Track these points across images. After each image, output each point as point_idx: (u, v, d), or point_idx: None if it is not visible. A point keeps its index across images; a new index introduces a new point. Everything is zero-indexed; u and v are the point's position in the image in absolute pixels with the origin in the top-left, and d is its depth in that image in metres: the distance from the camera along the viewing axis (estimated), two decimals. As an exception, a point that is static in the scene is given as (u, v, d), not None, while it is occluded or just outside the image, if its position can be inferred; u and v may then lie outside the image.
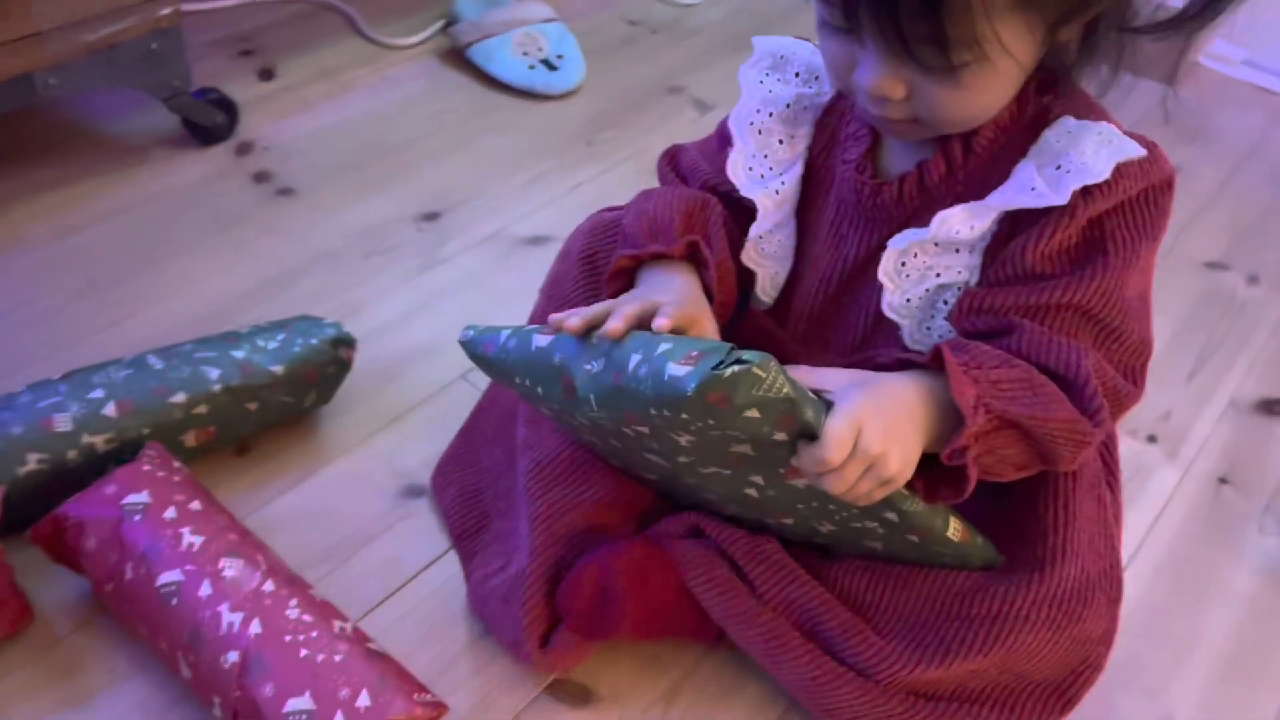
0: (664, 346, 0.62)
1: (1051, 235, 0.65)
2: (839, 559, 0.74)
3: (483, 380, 0.97)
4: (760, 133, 0.77)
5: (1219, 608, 0.87)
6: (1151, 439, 1.01)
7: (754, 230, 0.78)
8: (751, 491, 0.69)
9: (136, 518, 0.74)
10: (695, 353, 0.60)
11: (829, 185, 0.76)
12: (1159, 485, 0.97)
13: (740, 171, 0.77)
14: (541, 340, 0.69)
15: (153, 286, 1.05)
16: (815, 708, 0.72)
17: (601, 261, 0.83)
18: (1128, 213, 0.65)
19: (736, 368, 0.57)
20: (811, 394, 0.60)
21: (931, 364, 0.64)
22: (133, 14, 1.09)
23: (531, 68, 1.38)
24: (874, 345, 0.74)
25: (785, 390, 0.58)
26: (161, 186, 1.18)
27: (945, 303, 0.71)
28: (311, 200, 1.18)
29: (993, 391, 0.62)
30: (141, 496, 0.76)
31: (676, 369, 0.59)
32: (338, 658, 0.69)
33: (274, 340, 0.89)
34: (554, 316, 0.67)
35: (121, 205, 1.14)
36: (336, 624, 0.72)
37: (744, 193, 0.77)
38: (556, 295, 0.87)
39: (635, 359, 0.62)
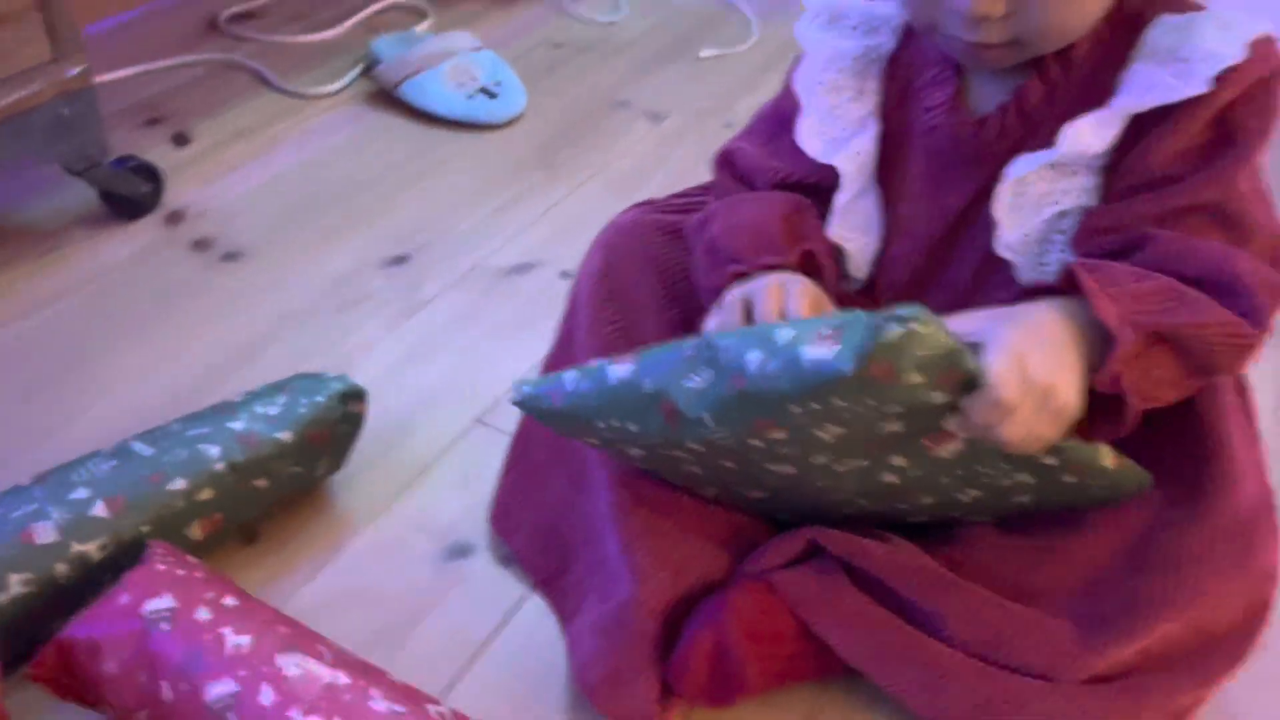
0: (785, 334, 0.54)
1: (1184, 129, 0.61)
2: (973, 542, 0.67)
3: (502, 420, 0.87)
4: (829, 91, 0.72)
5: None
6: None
7: (838, 200, 0.71)
8: (891, 478, 0.62)
9: (164, 626, 0.62)
10: (827, 330, 0.53)
11: (909, 140, 0.71)
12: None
13: (813, 138, 0.72)
14: (621, 370, 0.61)
15: (101, 378, 0.92)
16: None
17: (620, 277, 0.77)
18: (1255, 100, 0.61)
19: (899, 328, 0.50)
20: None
21: (1065, 288, 0.59)
22: (37, 78, 0.96)
23: (470, 97, 1.29)
24: (984, 293, 0.68)
25: (948, 341, 0.51)
26: (90, 270, 1.05)
27: (1062, 232, 0.65)
28: (262, 261, 1.07)
29: (1136, 307, 0.58)
30: (164, 601, 0.63)
31: (817, 350, 0.52)
32: (446, 748, 0.58)
33: (275, 405, 0.77)
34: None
35: (47, 296, 1.01)
36: (431, 709, 0.61)
37: (821, 159, 0.72)
38: (572, 322, 0.80)
39: (755, 357, 0.55)
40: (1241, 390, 0.70)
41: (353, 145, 1.26)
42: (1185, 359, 0.59)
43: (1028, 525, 0.67)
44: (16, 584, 0.66)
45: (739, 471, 0.64)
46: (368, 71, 1.36)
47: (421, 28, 1.49)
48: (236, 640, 0.62)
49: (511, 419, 0.84)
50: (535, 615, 0.74)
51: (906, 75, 0.71)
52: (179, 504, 0.72)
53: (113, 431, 0.80)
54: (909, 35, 0.71)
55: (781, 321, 0.58)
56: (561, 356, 0.80)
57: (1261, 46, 0.61)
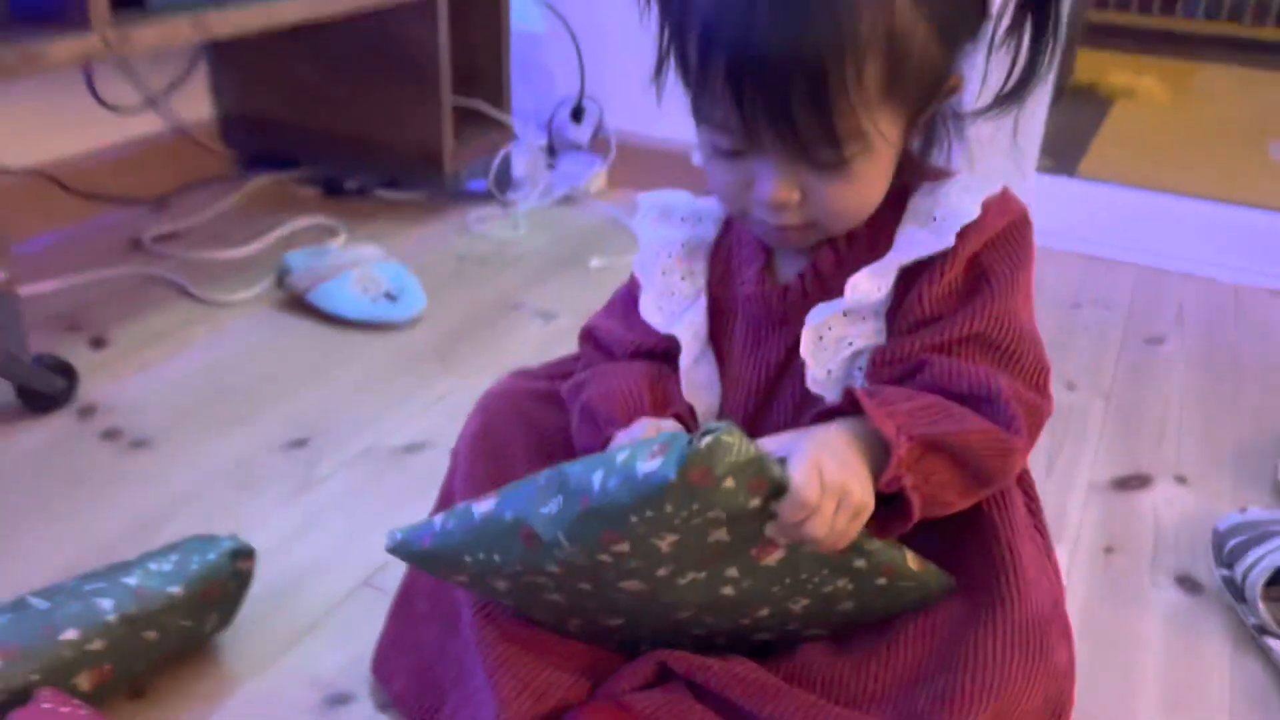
0: (623, 455, 0.63)
1: (941, 277, 0.72)
2: (806, 656, 0.74)
3: (389, 582, 0.93)
4: (664, 273, 0.83)
5: (1144, 656, 0.91)
6: (1035, 526, 1.07)
7: (682, 364, 0.81)
8: (728, 590, 0.69)
9: (45, 758, 0.66)
10: (656, 446, 0.61)
11: (733, 310, 0.81)
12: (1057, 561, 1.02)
13: (654, 312, 0.82)
14: (484, 506, 0.68)
15: (7, 551, 0.97)
16: None
17: (496, 436, 0.85)
18: (1000, 246, 0.73)
19: (709, 438, 0.59)
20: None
21: (847, 409, 0.69)
22: (-35, 280, 1.06)
23: (374, 301, 1.41)
24: (801, 423, 0.78)
25: (752, 451, 0.60)
26: (1, 457, 1.10)
27: (860, 369, 0.75)
28: (168, 448, 1.14)
29: (909, 421, 0.67)
30: (46, 735, 0.67)
31: (648, 465, 0.60)
32: None
33: (167, 562, 0.83)
34: None
35: (-44, 481, 1.06)
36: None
37: (663, 330, 0.82)
38: (451, 480, 0.87)
39: (598, 476, 0.63)
40: (1033, 510, 0.80)
41: (262, 345, 1.36)
42: (957, 464, 0.69)
43: (852, 639, 0.75)
44: (-97, 730, 0.70)
45: (595, 594, 0.70)
46: (281, 281, 1.47)
47: (334, 243, 1.62)
48: (113, 767, 0.65)
49: (396, 580, 0.89)
50: (410, 756, 0.79)
51: (726, 256, 0.83)
52: (68, 654, 0.76)
53: (15, 594, 0.85)
54: (728, 224, 0.83)
55: (623, 447, 0.64)
56: (441, 510, 0.87)
57: (997, 203, 0.73)
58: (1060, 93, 2.38)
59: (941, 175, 0.76)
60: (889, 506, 0.67)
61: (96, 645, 0.77)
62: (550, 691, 0.74)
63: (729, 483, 0.60)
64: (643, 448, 0.62)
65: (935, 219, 0.73)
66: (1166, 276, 1.70)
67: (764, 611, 0.72)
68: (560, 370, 0.91)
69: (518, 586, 0.71)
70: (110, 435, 1.15)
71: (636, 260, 0.85)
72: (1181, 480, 1.16)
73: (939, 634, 0.72)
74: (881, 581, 0.70)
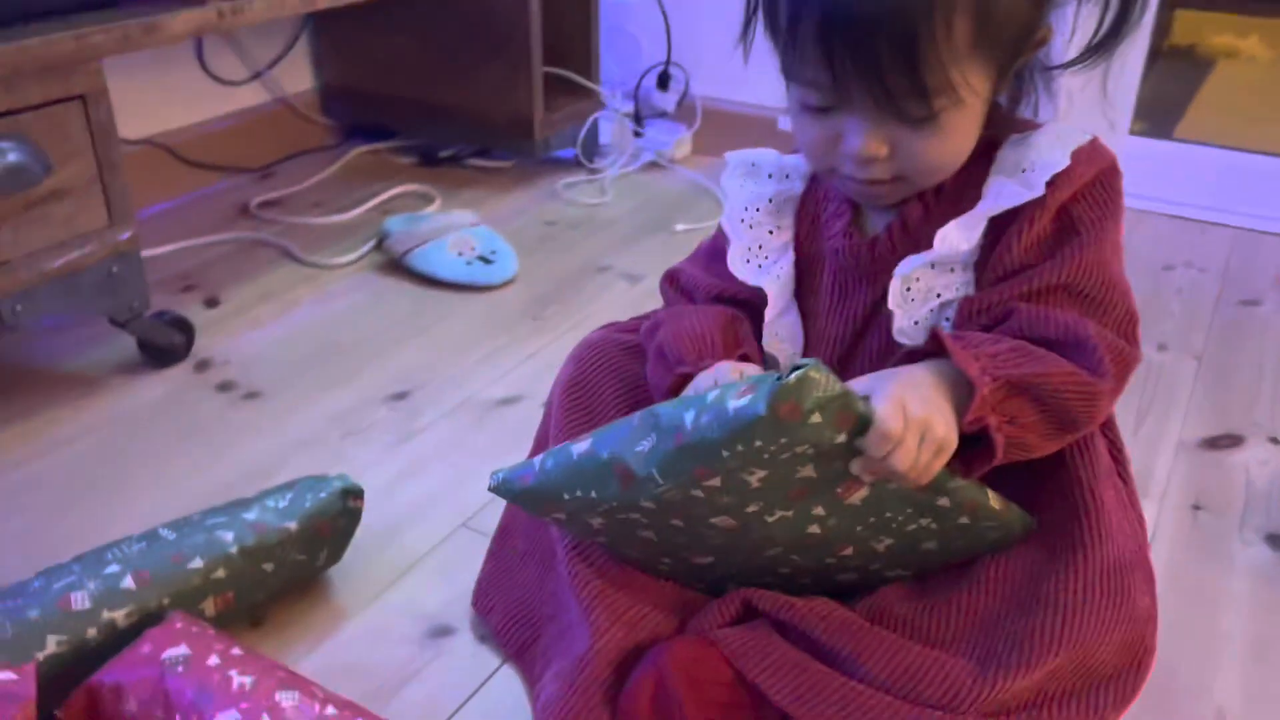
0: (713, 394, 0.65)
1: (1030, 227, 0.73)
2: (886, 598, 0.77)
3: (485, 524, 0.98)
4: (751, 227, 0.85)
5: (1228, 612, 0.91)
6: (1121, 483, 1.07)
7: (768, 316, 0.84)
8: (814, 529, 0.71)
9: (179, 669, 0.72)
10: (745, 385, 0.64)
11: (820, 263, 0.83)
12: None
13: (740, 265, 0.85)
14: (581, 445, 0.72)
15: (130, 494, 1.04)
16: None
17: (587, 384, 0.88)
18: (1089, 196, 0.74)
19: (796, 373, 0.61)
20: None
21: (932, 351, 0.70)
22: (94, 240, 1.13)
23: (469, 264, 1.46)
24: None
25: (838, 386, 0.63)
26: (125, 408, 1.18)
27: (948, 319, 0.77)
28: (280, 400, 1.20)
29: (993, 362, 0.69)
30: (180, 650, 0.73)
31: (738, 401, 0.63)
32: (418, 762, 0.66)
33: (283, 499, 0.89)
34: None
35: (85, 429, 1.14)
36: (407, 736, 0.69)
37: (751, 282, 0.84)
38: (546, 425, 0.92)
39: (690, 415, 0.65)
40: (1117, 458, 0.81)
41: (363, 305, 1.42)
42: (1041, 406, 0.70)
43: (932, 582, 0.77)
44: (52, 644, 0.76)
45: (686, 530, 0.73)
46: (380, 245, 1.53)
47: (431, 210, 1.68)
48: (241, 680, 0.71)
49: (493, 523, 0.94)
50: (505, 685, 0.83)
51: (814, 211, 0.85)
52: (195, 581, 0.82)
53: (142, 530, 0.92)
54: (814, 180, 0.85)
55: (715, 389, 0.67)
56: (536, 454, 0.92)
57: (1087, 152, 0.74)
58: (1156, 55, 2.33)
59: (1029, 127, 0.77)
60: (973, 447, 0.69)
61: (219, 574, 0.83)
62: (642, 624, 0.77)
63: (816, 417, 0.62)
64: (732, 387, 0.65)
65: (1024, 170, 0.74)
66: (1264, 239, 1.67)
67: (848, 550, 0.75)
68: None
69: (612, 523, 0.74)
70: (225, 387, 1.22)
71: (724, 214, 0.87)
72: (1276, 441, 1.15)
73: (1018, 576, 0.74)
74: (964, 520, 0.72)
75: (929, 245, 0.77)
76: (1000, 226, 0.75)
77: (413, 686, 0.83)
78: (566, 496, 0.73)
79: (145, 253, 1.49)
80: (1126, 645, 0.73)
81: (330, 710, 0.70)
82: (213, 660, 0.73)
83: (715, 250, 0.89)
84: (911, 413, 0.65)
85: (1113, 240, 0.75)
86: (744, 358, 0.80)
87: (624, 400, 0.87)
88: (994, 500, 0.72)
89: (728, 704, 0.74)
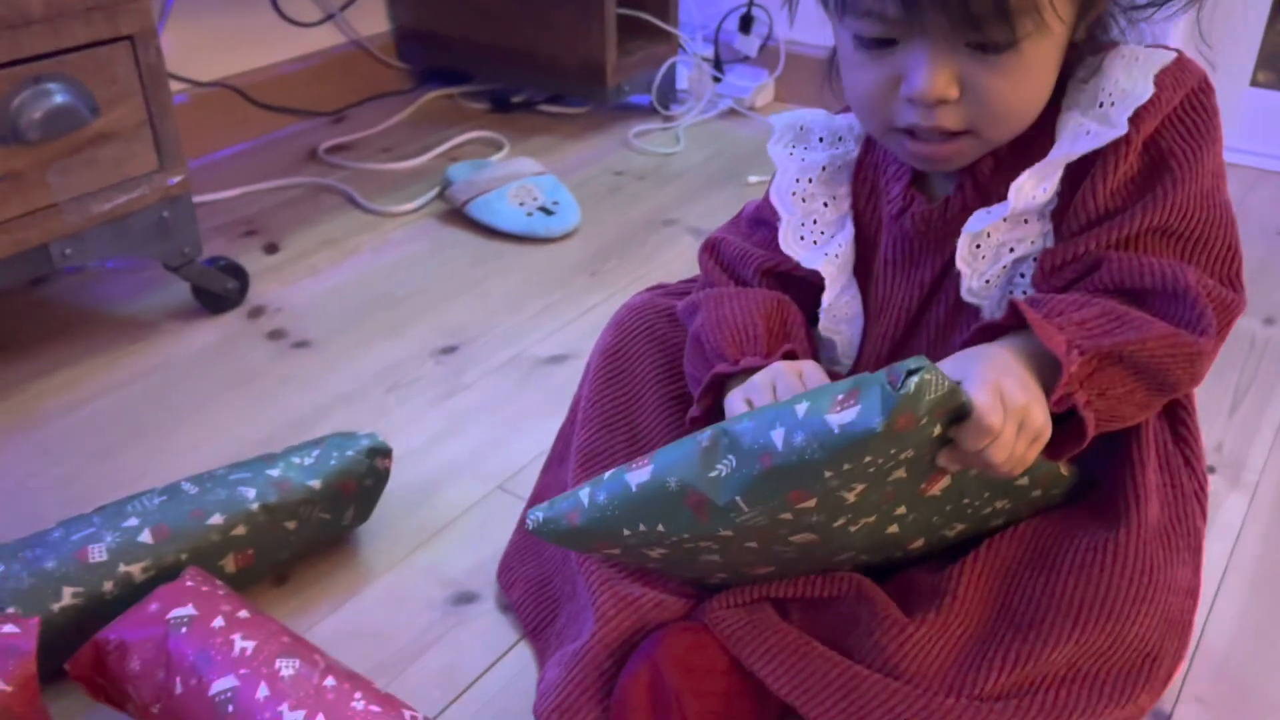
0: (803, 406, 0.57)
1: (1115, 169, 0.65)
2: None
3: (523, 488, 0.94)
4: (804, 200, 0.78)
5: (1323, 617, 0.83)
6: (1210, 469, 0.98)
7: (825, 300, 0.77)
8: (894, 529, 0.65)
9: (183, 630, 0.70)
10: (841, 395, 0.55)
11: (880, 231, 0.76)
12: (1231, 510, 0.94)
13: (793, 244, 0.78)
14: (639, 475, 0.62)
15: (173, 440, 1.03)
16: None
17: (627, 352, 0.83)
18: (1179, 123, 0.65)
19: (914, 379, 0.54)
20: None
21: (1011, 323, 0.63)
22: (143, 184, 1.11)
23: (530, 215, 1.42)
24: (950, 341, 0.73)
25: (948, 382, 0.55)
26: (176, 353, 1.18)
27: (1023, 275, 0.70)
28: (328, 350, 1.18)
29: (1080, 333, 0.61)
30: (186, 609, 0.71)
31: (842, 416, 0.55)
32: (412, 742, 0.63)
33: (309, 456, 0.87)
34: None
35: (136, 373, 1.14)
36: (407, 714, 0.66)
37: (806, 265, 0.77)
38: (580, 392, 0.87)
39: (778, 434, 0.57)
40: (1178, 421, 0.74)
41: (422, 255, 1.39)
42: (1136, 374, 0.63)
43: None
44: (68, 595, 0.75)
45: (759, 550, 0.66)
46: (442, 194, 1.50)
47: (498, 158, 1.64)
48: (243, 644, 0.69)
49: (530, 487, 0.91)
50: (524, 659, 0.80)
51: (872, 175, 0.77)
52: (215, 537, 0.81)
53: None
54: (870, 140, 0.77)
55: (791, 399, 0.59)
56: (569, 425, 0.87)
57: (1169, 75, 0.65)
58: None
59: (1100, 47, 0.68)
60: (1060, 426, 0.62)
61: (240, 531, 0.81)
62: (652, 615, 0.72)
63: (926, 420, 0.55)
64: (824, 396, 0.56)
65: (1102, 104, 0.65)
66: (1397, 203, 1.52)
67: (919, 543, 0.69)
68: (694, 287, 0.89)
69: (676, 553, 0.66)
70: (275, 336, 1.21)
71: (773, 187, 0.80)
72: (1390, 429, 1.04)
73: (1050, 529, 0.69)
74: (1036, 494, 0.67)
75: (1000, 196, 0.69)
76: (1081, 169, 0.67)
77: (430, 655, 0.80)
78: (627, 533, 0.64)
79: (209, 196, 1.49)
80: (1162, 618, 0.66)
81: (329, 681, 0.67)
82: (217, 622, 0.71)
83: (760, 218, 0.82)
84: (1010, 400, 0.58)
85: (1212, 168, 0.66)
86: (789, 355, 0.72)
87: (664, 375, 0.81)
88: (1063, 466, 0.66)
89: (726, 693, 0.69)
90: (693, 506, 0.60)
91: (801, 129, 0.80)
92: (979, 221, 0.69)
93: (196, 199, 1.47)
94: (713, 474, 0.59)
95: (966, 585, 0.67)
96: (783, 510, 0.59)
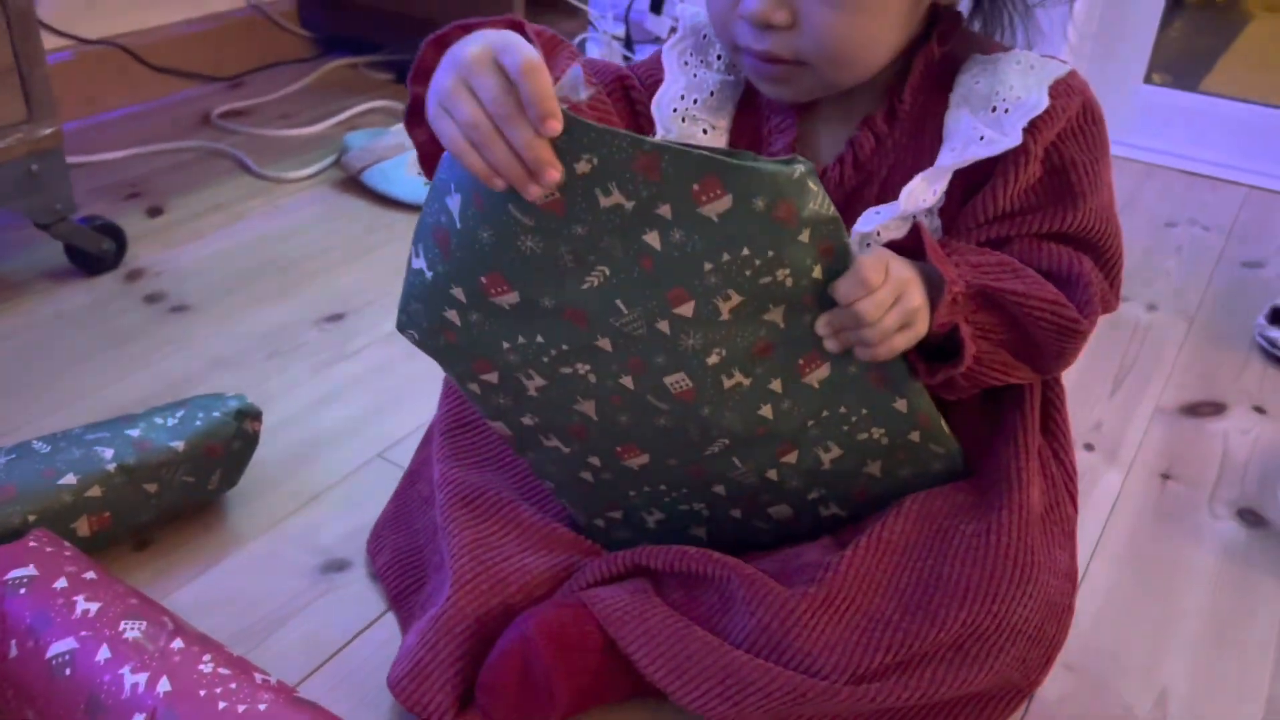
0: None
1: (1017, 176, 0.66)
2: (804, 552, 0.70)
3: (402, 456, 0.92)
4: (683, 120, 0.75)
5: (1188, 588, 0.84)
6: (1089, 446, 1.00)
7: None
8: (766, 411, 0.64)
9: (21, 591, 0.66)
10: (714, 175, 0.54)
11: None
12: (1106, 486, 0.95)
13: None
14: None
15: (40, 402, 0.99)
16: None
17: None
18: (1076, 136, 0.67)
19: (801, 167, 0.54)
20: None
21: (910, 246, 0.63)
22: (10, 134, 1.06)
23: (426, 184, 1.38)
24: None
25: (831, 210, 0.57)
26: (45, 313, 1.12)
27: None
28: (208, 314, 1.14)
29: (972, 272, 0.63)
30: (27, 570, 0.68)
31: (715, 206, 0.55)
32: (262, 706, 0.61)
33: (173, 417, 0.83)
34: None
35: (1, 333, 1.08)
36: (258, 676, 0.64)
37: None
38: None
39: (652, 236, 0.56)
40: (1051, 409, 0.75)
41: (314, 222, 1.35)
42: (1014, 327, 0.64)
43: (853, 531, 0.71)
44: (-99, 557, 0.71)
45: (631, 404, 0.65)
46: (338, 161, 1.46)
47: (398, 127, 1.60)
48: (86, 606, 0.65)
49: (409, 456, 0.88)
50: (391, 629, 0.77)
51: (755, 119, 0.75)
52: (66, 498, 0.77)
53: (27, 441, 0.86)
54: None
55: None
56: (449, 396, 0.85)
57: (1065, 85, 0.66)
58: (1178, 2, 2.21)
59: (995, 49, 0.69)
60: (939, 361, 0.64)
61: (94, 492, 0.78)
62: (512, 579, 0.71)
63: (804, 235, 0.56)
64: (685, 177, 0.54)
65: (995, 109, 0.66)
66: (1278, 199, 1.57)
67: (793, 456, 0.68)
68: None
69: (552, 389, 0.65)
70: (153, 299, 1.16)
71: (659, 95, 0.75)
72: (1260, 410, 1.07)
73: (939, 510, 0.69)
74: (914, 436, 0.67)
75: (880, 179, 0.70)
76: (973, 170, 0.67)
77: (294, 623, 0.77)
78: (506, 346, 0.63)
79: (91, 157, 1.43)
80: (1046, 603, 0.67)
81: (177, 643, 0.64)
82: (60, 583, 0.67)
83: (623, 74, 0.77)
84: (894, 272, 0.59)
85: (1106, 180, 0.68)
86: (518, 26, 0.61)
87: None
88: (945, 425, 0.67)
89: (598, 671, 0.68)
90: (571, 318, 0.60)
91: (705, 38, 0.76)
92: (868, 222, 0.69)
93: (78, 159, 1.41)
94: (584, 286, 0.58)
95: (849, 561, 0.67)
96: (661, 316, 0.59)
